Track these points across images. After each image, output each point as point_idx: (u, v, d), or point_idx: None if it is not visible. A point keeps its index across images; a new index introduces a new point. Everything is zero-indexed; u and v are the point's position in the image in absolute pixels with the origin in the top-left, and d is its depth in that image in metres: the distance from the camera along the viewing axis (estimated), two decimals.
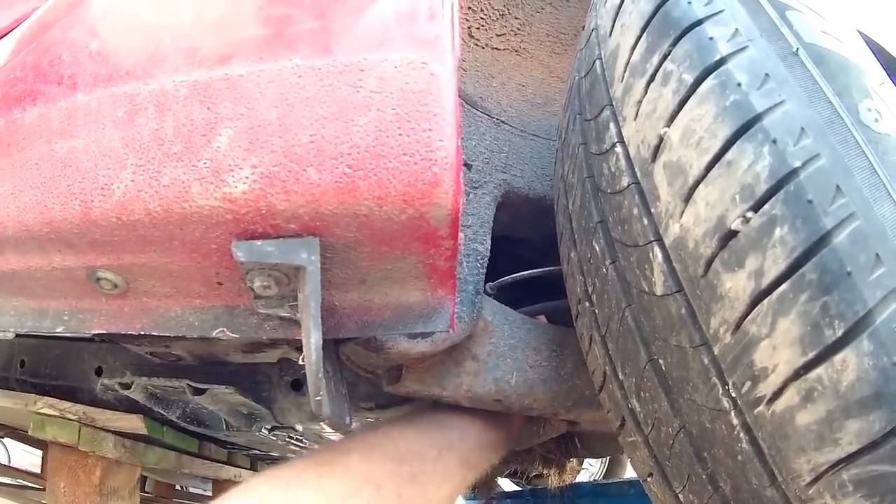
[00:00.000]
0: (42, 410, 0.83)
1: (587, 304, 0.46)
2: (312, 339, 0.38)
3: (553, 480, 1.48)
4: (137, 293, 0.47)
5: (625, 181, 0.39)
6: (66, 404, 0.84)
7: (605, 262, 0.42)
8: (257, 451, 1.32)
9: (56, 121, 0.42)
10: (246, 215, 0.37)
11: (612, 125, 0.41)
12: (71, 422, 0.82)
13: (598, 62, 0.44)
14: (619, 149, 0.40)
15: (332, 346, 0.59)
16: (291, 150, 0.36)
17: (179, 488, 1.66)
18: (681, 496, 0.41)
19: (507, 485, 1.82)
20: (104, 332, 0.49)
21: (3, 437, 1.32)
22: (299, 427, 0.83)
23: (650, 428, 0.41)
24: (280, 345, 0.67)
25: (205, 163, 0.37)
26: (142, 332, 0.48)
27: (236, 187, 0.37)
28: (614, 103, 0.41)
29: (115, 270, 0.45)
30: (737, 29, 0.36)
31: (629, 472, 1.64)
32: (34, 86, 0.44)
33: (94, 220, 0.40)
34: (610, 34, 0.42)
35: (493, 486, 1.50)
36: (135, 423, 0.83)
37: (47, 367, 0.94)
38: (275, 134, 0.36)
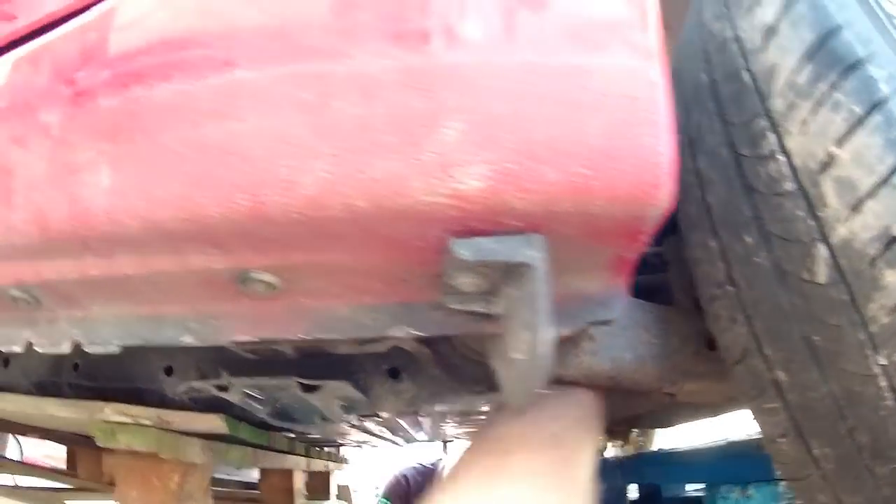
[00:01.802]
0: (111, 418, 0.82)
1: (729, 287, 0.53)
2: (541, 334, 0.42)
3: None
4: (293, 294, 0.46)
5: (788, 186, 0.46)
6: (137, 409, 0.82)
7: (758, 253, 0.50)
8: (316, 437, 1.32)
9: (205, 100, 0.38)
10: (474, 212, 0.37)
11: (770, 135, 0.47)
12: (146, 428, 0.81)
13: (745, 73, 0.50)
14: (780, 157, 0.47)
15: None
16: (528, 148, 0.37)
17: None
18: (815, 451, 0.51)
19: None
20: (249, 339, 0.48)
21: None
22: (386, 414, 0.87)
23: (794, 394, 0.50)
24: (386, 339, 0.69)
25: (429, 156, 0.36)
26: (303, 337, 0.47)
27: (468, 183, 0.36)
28: (773, 116, 0.47)
29: (275, 271, 0.43)
30: (891, 72, 0.43)
31: (655, 444, 1.78)
32: (164, 58, 0.41)
33: (268, 216, 0.38)
34: (762, 50, 0.49)
35: None
36: (215, 423, 0.82)
37: (106, 369, 0.91)
38: (509, 130, 0.36)
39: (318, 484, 1.39)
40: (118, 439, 0.82)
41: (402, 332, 0.48)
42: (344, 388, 0.71)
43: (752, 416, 0.57)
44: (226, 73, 0.38)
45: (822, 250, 0.45)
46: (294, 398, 0.76)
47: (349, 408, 0.81)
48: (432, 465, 2.80)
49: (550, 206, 0.38)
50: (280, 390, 0.73)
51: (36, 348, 0.57)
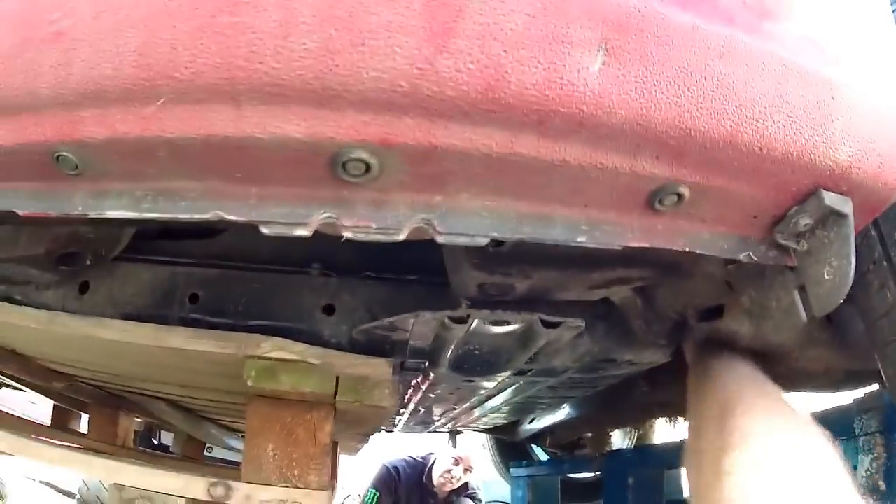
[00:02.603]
0: (271, 354, 0.74)
1: (885, 263, 0.81)
2: (850, 262, 0.59)
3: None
4: (678, 215, 0.58)
5: None
6: (301, 346, 0.76)
7: None
8: None
9: (714, 42, 0.50)
10: (836, 175, 0.57)
11: None
12: (318, 368, 0.74)
13: None
14: None
15: None
16: (869, 141, 0.58)
17: (208, 452, 1.43)
18: None
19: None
20: (639, 245, 0.58)
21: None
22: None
23: None
24: (621, 284, 0.81)
25: (829, 135, 0.55)
26: (683, 249, 0.59)
27: (842, 156, 0.56)
28: None
29: (692, 188, 0.55)
30: None
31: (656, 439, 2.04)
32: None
33: (733, 141, 0.51)
34: None
35: (605, 441, 1.72)
36: (381, 369, 0.79)
37: (241, 303, 0.82)
38: (863, 129, 0.57)
39: None
40: (281, 380, 0.75)
41: (741, 257, 0.63)
42: (578, 327, 0.77)
43: (880, 360, 0.84)
44: (727, 28, 0.52)
45: None
46: (498, 342, 0.82)
47: (534, 355, 0.88)
48: (422, 458, 2.72)
49: (865, 181, 0.60)
50: (517, 325, 0.76)
51: (345, 233, 0.52)
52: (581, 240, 0.54)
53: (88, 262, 0.84)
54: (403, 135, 0.47)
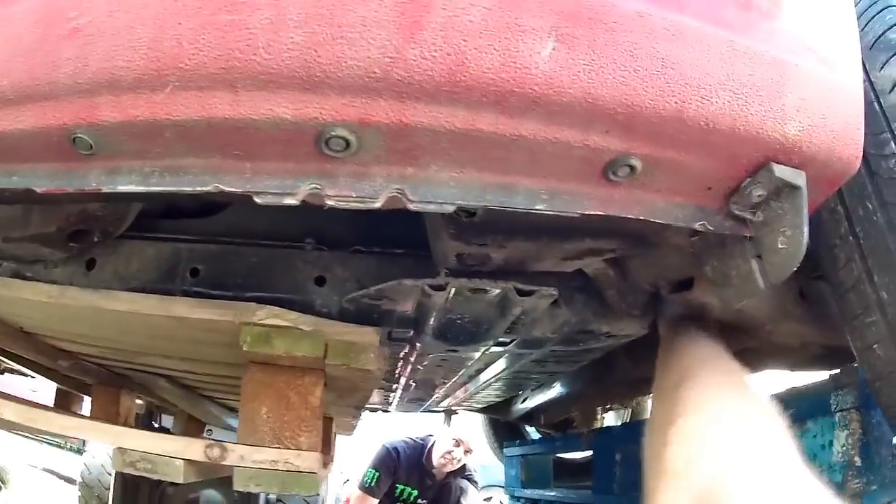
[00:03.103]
0: (266, 321, 0.83)
1: (851, 238, 0.89)
2: (804, 232, 0.68)
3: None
4: (633, 185, 0.65)
5: None
6: (294, 314, 0.86)
7: (875, 214, 0.86)
8: None
9: (660, 26, 0.57)
10: (785, 148, 0.64)
11: (892, 143, 0.85)
12: (309, 334, 0.84)
13: (876, 104, 0.87)
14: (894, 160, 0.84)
15: None
16: (818, 117, 0.65)
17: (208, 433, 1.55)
18: None
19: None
20: (596, 213, 0.65)
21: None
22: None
23: (893, 308, 0.86)
24: (592, 256, 0.89)
25: (776, 110, 0.62)
26: (639, 217, 0.67)
27: (791, 131, 0.64)
28: (894, 133, 0.85)
29: (644, 160, 0.62)
30: None
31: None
32: None
33: (678, 117, 0.58)
34: (890, 93, 0.87)
35: (593, 418, 1.81)
36: (369, 337, 0.89)
37: (238, 276, 0.92)
38: (821, 108, 0.65)
39: None
40: (274, 345, 0.84)
41: (696, 226, 0.71)
42: (551, 295, 0.85)
43: (850, 334, 0.92)
44: (676, 14, 0.59)
45: None
46: (478, 311, 0.90)
47: (514, 325, 0.96)
48: (422, 440, 2.85)
49: (816, 156, 0.67)
50: (493, 293, 0.84)
51: (328, 202, 0.60)
52: (540, 207, 0.62)
53: (96, 240, 0.94)
54: (378, 114, 0.56)
